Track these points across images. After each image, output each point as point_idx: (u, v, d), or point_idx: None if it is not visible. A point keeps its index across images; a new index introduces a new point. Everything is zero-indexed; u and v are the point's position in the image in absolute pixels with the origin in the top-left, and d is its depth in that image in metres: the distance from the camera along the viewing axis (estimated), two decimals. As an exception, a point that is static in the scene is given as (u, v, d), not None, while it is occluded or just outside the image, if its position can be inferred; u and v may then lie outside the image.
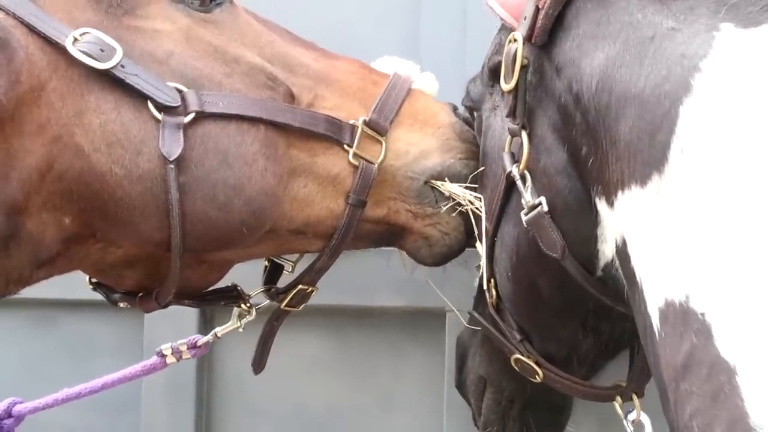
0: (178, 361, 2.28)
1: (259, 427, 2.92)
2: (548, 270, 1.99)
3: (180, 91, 1.94)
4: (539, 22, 1.88)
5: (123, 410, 2.92)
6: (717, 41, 1.64)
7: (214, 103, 1.96)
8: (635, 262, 1.70)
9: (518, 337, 2.17)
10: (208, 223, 1.98)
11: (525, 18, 1.90)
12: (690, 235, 1.56)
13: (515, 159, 1.97)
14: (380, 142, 2.13)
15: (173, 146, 1.92)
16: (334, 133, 2.09)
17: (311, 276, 2.19)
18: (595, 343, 2.19)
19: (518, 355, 2.17)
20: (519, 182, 1.93)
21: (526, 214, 1.92)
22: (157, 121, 1.91)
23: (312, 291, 2.22)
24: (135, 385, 2.82)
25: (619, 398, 2.20)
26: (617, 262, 1.82)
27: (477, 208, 2.14)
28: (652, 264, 1.64)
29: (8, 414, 2.26)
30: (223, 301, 2.27)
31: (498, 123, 2.10)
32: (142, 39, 1.96)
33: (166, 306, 2.14)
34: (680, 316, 1.55)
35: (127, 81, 1.89)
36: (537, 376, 2.17)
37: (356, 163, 2.10)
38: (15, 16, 1.86)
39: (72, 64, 1.87)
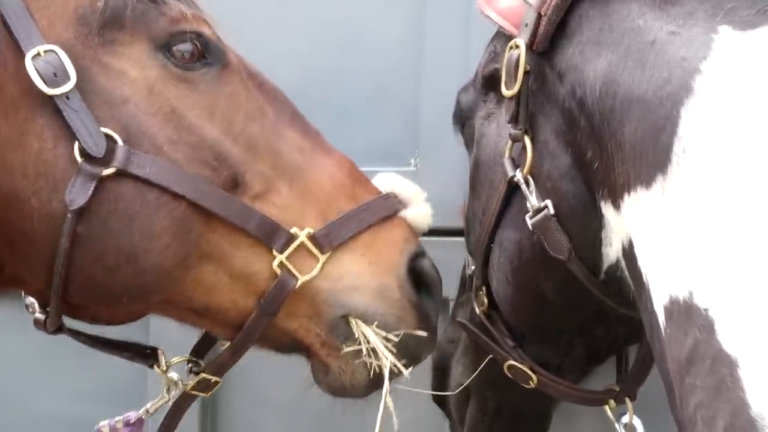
0: None
1: (264, 415, 2.99)
2: (552, 273, 2.06)
3: (113, 141, 1.89)
4: (542, 29, 1.96)
5: (129, 403, 2.92)
6: (716, 43, 1.74)
7: (141, 166, 1.90)
8: (642, 263, 1.79)
9: (511, 343, 2.23)
10: (90, 280, 1.94)
11: (526, 25, 1.99)
12: (693, 233, 1.66)
13: (516, 164, 2.03)
14: (317, 259, 2.04)
15: (79, 195, 1.87)
16: (263, 236, 2.01)
17: (214, 369, 2.14)
18: (589, 347, 2.27)
19: (512, 362, 2.23)
20: (524, 186, 2.00)
21: (532, 217, 1.99)
22: (77, 165, 1.88)
23: (217, 382, 2.16)
24: (141, 376, 2.88)
25: (612, 402, 2.28)
26: (623, 264, 1.91)
27: (378, 364, 2.05)
28: (657, 263, 1.74)
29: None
30: (134, 357, 2.22)
31: (494, 130, 2.17)
32: (105, 77, 1.93)
33: (55, 333, 2.10)
34: (684, 312, 1.65)
35: (64, 114, 1.87)
36: (531, 382, 2.24)
37: (278, 272, 2.02)
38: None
39: (30, 78, 1.86)
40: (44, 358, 3.12)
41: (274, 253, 2.01)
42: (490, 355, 2.28)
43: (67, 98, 1.86)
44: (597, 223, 1.94)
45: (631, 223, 1.81)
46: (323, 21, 2.92)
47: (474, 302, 2.27)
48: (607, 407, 2.30)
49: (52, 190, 1.87)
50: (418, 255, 2.14)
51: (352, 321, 2.06)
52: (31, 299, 2.10)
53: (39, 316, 2.08)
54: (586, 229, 1.96)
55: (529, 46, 1.98)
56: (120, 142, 1.89)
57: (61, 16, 1.92)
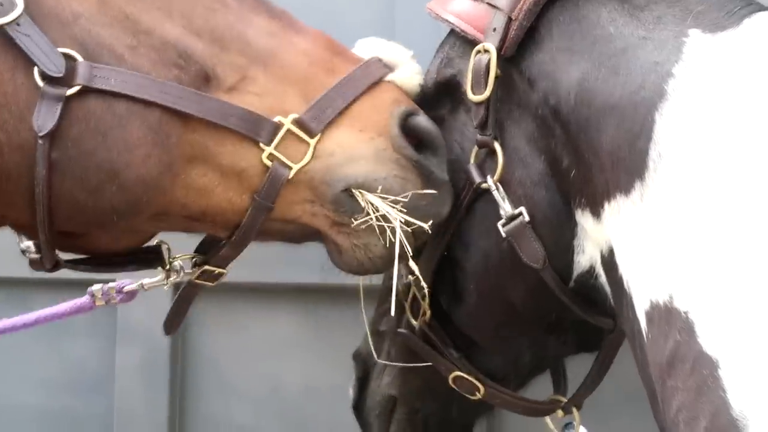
0: (106, 303, 2.21)
1: (235, 407, 2.98)
2: (522, 281, 2.06)
3: (72, 60, 1.87)
4: (512, 34, 1.97)
5: (96, 391, 2.88)
6: (687, 47, 1.79)
7: (105, 79, 1.87)
8: (623, 270, 1.83)
9: (455, 354, 2.21)
10: (74, 205, 1.91)
11: (494, 30, 1.99)
12: (671, 237, 1.71)
13: (482, 171, 2.02)
14: (308, 144, 1.97)
15: (47, 120, 1.84)
16: (247, 130, 1.95)
17: (216, 261, 2.09)
18: (536, 357, 2.29)
19: (458, 373, 2.21)
20: (496, 193, 2.00)
21: (505, 225, 1.99)
22: (39, 90, 1.85)
23: (221, 273, 2.11)
24: (108, 365, 2.88)
25: (559, 412, 2.30)
26: (600, 272, 1.94)
27: (389, 225, 1.98)
28: (638, 270, 1.78)
29: None
30: (136, 264, 2.15)
31: (448, 136, 2.11)
32: None
33: (53, 270, 2.05)
34: (665, 316, 1.70)
35: (16, 41, 1.84)
36: (477, 393, 2.23)
37: (269, 163, 1.96)
38: None
39: None
40: (9, 344, 3.04)
41: (262, 145, 1.95)
42: (424, 365, 2.24)
43: (18, 24, 1.84)
44: (570, 231, 1.96)
45: (611, 231, 1.84)
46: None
47: (408, 312, 2.24)
48: (547, 418, 2.32)
49: (18, 119, 1.85)
50: (410, 113, 2.06)
51: (356, 192, 1.99)
52: (26, 243, 2.06)
53: (35, 257, 2.04)
54: (559, 237, 1.98)
55: (498, 51, 1.97)
56: (80, 59, 1.87)
57: None
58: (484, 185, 2.01)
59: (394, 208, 1.97)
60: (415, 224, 1.98)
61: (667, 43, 1.79)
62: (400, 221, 1.97)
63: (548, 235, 1.97)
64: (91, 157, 1.88)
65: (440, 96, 2.16)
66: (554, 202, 1.96)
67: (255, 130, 1.95)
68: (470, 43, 2.06)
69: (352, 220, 1.99)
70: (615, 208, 1.80)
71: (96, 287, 2.20)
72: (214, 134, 1.94)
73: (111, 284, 2.20)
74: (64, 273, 2.13)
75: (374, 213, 1.97)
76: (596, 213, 1.87)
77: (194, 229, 2.09)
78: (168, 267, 2.12)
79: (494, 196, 1.99)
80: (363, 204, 1.98)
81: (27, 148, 1.85)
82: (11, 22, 1.83)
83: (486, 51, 1.99)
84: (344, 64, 2.06)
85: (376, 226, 1.98)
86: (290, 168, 1.96)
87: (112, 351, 3.01)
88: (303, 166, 1.97)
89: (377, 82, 2.06)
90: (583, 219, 1.92)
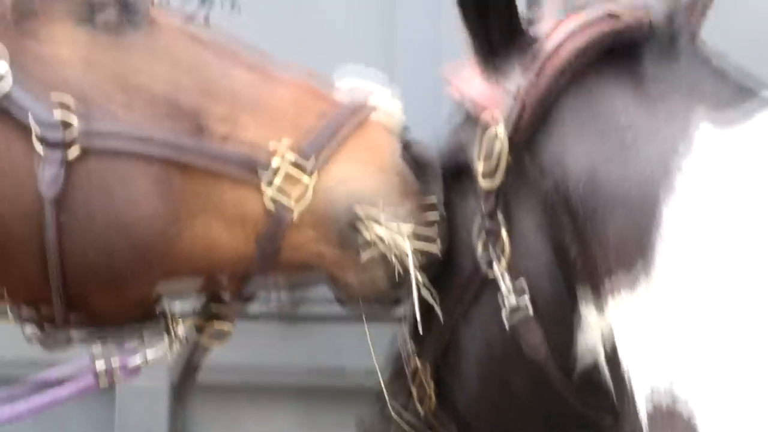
0: (109, 383, 2.14)
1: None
2: (525, 372, 2.02)
3: (69, 124, 1.89)
4: (524, 120, 1.95)
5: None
6: (697, 141, 1.77)
7: (103, 138, 1.90)
8: (625, 366, 1.80)
9: None
10: (88, 266, 1.92)
11: (507, 116, 1.97)
12: (676, 334, 1.68)
13: (489, 258, 2.00)
14: (306, 183, 1.98)
15: (52, 184, 1.86)
16: (246, 174, 1.97)
17: (225, 316, 2.09)
18: None
19: None
20: (501, 283, 1.97)
21: (509, 315, 1.96)
22: (40, 156, 1.87)
23: (229, 330, 2.10)
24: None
25: None
26: (604, 367, 1.91)
27: (401, 255, 1.98)
28: (641, 367, 1.76)
29: None
30: (143, 331, 2.12)
31: (457, 222, 2.10)
32: (39, 65, 1.93)
33: (67, 344, 2.05)
34: (667, 418, 1.65)
35: (10, 111, 1.87)
36: None
37: (271, 206, 1.97)
38: None
39: None
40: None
41: (262, 188, 1.97)
42: None
43: (10, 95, 1.87)
44: (577, 323, 1.93)
45: (614, 325, 1.81)
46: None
47: (414, 397, 2.20)
48: None
49: (20, 188, 1.87)
50: (407, 146, 2.10)
51: (360, 224, 2.00)
52: (28, 330, 2.04)
53: (45, 335, 2.03)
54: (563, 329, 1.95)
55: (510, 137, 1.96)
56: (75, 121, 1.89)
57: None
58: (489, 275, 1.99)
59: (400, 237, 1.98)
60: (424, 250, 1.99)
61: (677, 137, 1.77)
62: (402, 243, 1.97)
63: (552, 327, 1.94)
64: (100, 216, 1.89)
65: (452, 179, 2.14)
66: (560, 294, 1.94)
67: (253, 174, 1.96)
68: (483, 127, 2.03)
69: (358, 255, 2.00)
70: (618, 302, 1.78)
71: (99, 364, 2.13)
72: (215, 182, 1.96)
73: (114, 357, 2.13)
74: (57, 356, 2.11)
75: (381, 244, 1.98)
76: (600, 306, 1.84)
77: (201, 286, 2.07)
78: (172, 334, 2.10)
79: (499, 286, 1.97)
80: (368, 237, 1.99)
81: (33, 215, 1.86)
82: (3, 94, 1.86)
83: (497, 137, 1.97)
84: (330, 107, 2.09)
85: (381, 258, 1.98)
86: (292, 209, 1.97)
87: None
88: (305, 205, 1.98)
89: (364, 121, 2.08)
90: (588, 311, 1.89)
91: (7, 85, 1.87)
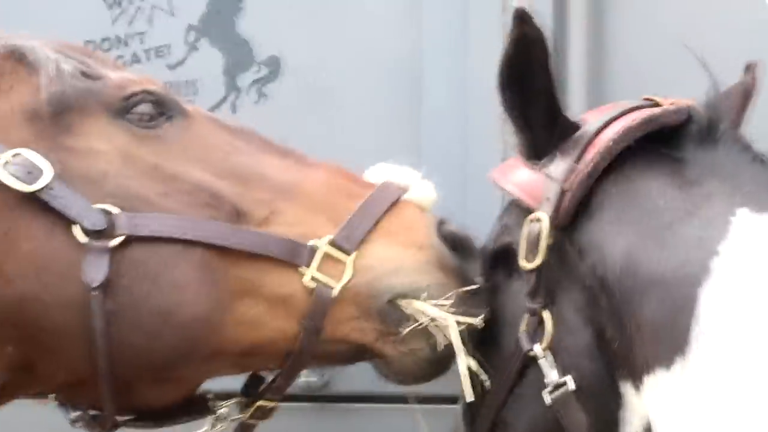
0: None
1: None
2: None
3: (109, 214, 1.93)
4: (564, 205, 2.00)
5: None
6: (733, 225, 1.80)
7: (145, 226, 1.94)
8: None
9: None
10: (133, 351, 1.94)
11: (548, 198, 2.03)
12: (711, 415, 1.69)
13: (532, 338, 2.03)
14: (344, 263, 2.04)
15: (97, 272, 1.90)
16: (286, 256, 2.01)
17: (270, 394, 2.12)
18: None
19: None
20: (542, 361, 2.00)
21: (551, 393, 1.99)
22: (83, 246, 1.91)
23: (273, 408, 2.14)
24: None
25: None
26: None
27: (443, 327, 2.02)
28: None
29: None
30: (186, 416, 2.15)
31: (503, 303, 2.15)
32: (76, 159, 1.97)
33: (113, 429, 2.07)
34: None
35: (51, 204, 1.91)
36: None
37: (312, 285, 2.01)
38: None
39: (4, 187, 1.91)
40: None
41: (302, 269, 2.01)
42: None
43: (50, 189, 1.91)
44: (616, 402, 1.95)
45: (651, 404, 1.83)
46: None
47: None
48: None
49: (63, 279, 1.91)
50: (441, 223, 2.15)
51: (401, 302, 2.04)
52: (73, 413, 2.09)
53: (89, 420, 2.07)
54: (604, 407, 1.96)
55: (551, 220, 2.00)
56: (116, 211, 1.94)
57: (11, 121, 1.99)
58: (531, 353, 2.02)
59: (441, 310, 2.02)
60: (466, 322, 2.03)
61: (715, 220, 1.81)
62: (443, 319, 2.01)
63: (594, 405, 1.96)
64: (145, 301, 1.93)
65: (497, 263, 2.19)
66: (600, 373, 1.96)
67: (294, 255, 2.01)
68: (526, 211, 2.09)
69: (399, 330, 2.04)
70: (655, 381, 1.80)
71: None
72: (256, 265, 2.00)
73: None
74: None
75: (424, 318, 2.02)
76: (637, 386, 1.86)
77: (245, 366, 2.13)
78: (215, 415, 2.13)
79: (541, 364, 2.00)
80: (408, 312, 2.04)
81: (77, 304, 1.90)
82: (43, 188, 1.91)
83: (539, 219, 2.02)
84: (362, 189, 2.15)
85: (421, 332, 2.03)
86: (332, 286, 2.01)
87: None
88: (345, 284, 2.02)
89: (397, 201, 2.14)
90: (627, 390, 1.91)
91: (46, 178, 1.91)
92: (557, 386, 1.98)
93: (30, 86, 2.01)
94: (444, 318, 2.03)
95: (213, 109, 2.56)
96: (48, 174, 1.92)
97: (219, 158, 2.08)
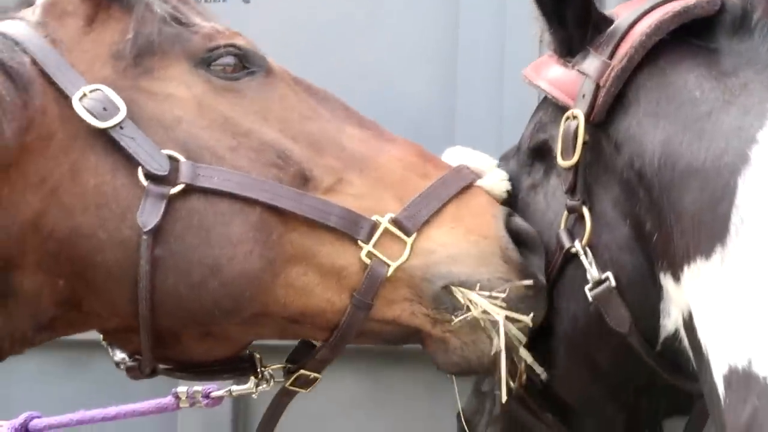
0: (190, 406, 2.23)
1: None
2: (608, 344, 2.07)
3: (176, 161, 1.96)
4: (600, 100, 2.02)
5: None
6: None
7: (208, 177, 1.96)
8: (701, 333, 1.85)
9: (551, 417, 2.22)
10: (177, 300, 1.97)
11: (584, 96, 2.04)
12: (751, 302, 1.72)
13: (572, 235, 2.06)
14: (405, 243, 2.02)
15: (151, 216, 1.92)
16: (346, 228, 2.01)
17: (314, 365, 2.13)
18: (630, 420, 2.26)
19: None
20: (583, 257, 2.03)
21: (592, 289, 2.01)
22: (144, 188, 1.94)
23: (315, 379, 2.15)
24: (170, 424, 2.91)
25: None
26: (683, 335, 1.95)
27: (489, 320, 1.99)
28: (716, 333, 1.80)
29: (25, 428, 2.26)
30: (229, 373, 2.21)
31: (541, 201, 2.19)
32: (153, 102, 2.01)
33: (151, 376, 2.12)
34: (743, 381, 1.71)
35: (121, 143, 1.94)
36: None
37: (368, 261, 2.01)
38: (38, 64, 1.96)
39: (79, 119, 1.94)
40: (70, 406, 3.10)
41: (360, 243, 2.01)
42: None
43: (121, 128, 1.95)
44: (656, 294, 1.98)
45: (691, 294, 1.86)
46: (354, 71, 2.96)
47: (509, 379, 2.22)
48: None
49: (120, 218, 1.93)
50: (509, 215, 2.13)
51: (455, 290, 2.02)
52: (119, 355, 2.13)
53: (132, 364, 2.11)
54: (645, 300, 1.99)
55: (587, 117, 2.02)
56: (182, 159, 1.96)
57: (98, 57, 2.02)
58: (572, 250, 2.04)
59: (495, 304, 2.00)
60: (519, 320, 2.02)
61: (753, 109, 1.82)
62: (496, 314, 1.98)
63: (634, 299, 1.99)
64: (195, 252, 1.95)
65: (534, 161, 2.22)
66: (640, 266, 1.98)
67: (353, 228, 2.01)
68: (561, 109, 2.11)
69: (453, 317, 2.02)
70: (695, 271, 1.82)
71: (181, 389, 2.22)
72: (314, 233, 2.01)
73: (197, 388, 2.22)
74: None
75: (476, 309, 1.99)
76: (677, 276, 1.89)
77: (291, 333, 2.13)
78: (260, 376, 2.16)
79: (582, 261, 2.03)
80: (463, 301, 2.01)
81: (129, 245, 1.93)
82: (115, 125, 1.94)
83: (575, 117, 2.03)
84: (435, 170, 2.14)
85: (480, 323, 2.00)
86: (388, 266, 2.00)
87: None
88: (401, 264, 2.01)
89: (468, 187, 2.13)
90: (666, 282, 1.93)
91: (119, 117, 1.95)
92: (598, 282, 2.00)
93: (121, 25, 2.04)
94: (496, 312, 2.00)
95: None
96: (122, 113, 1.96)
97: (295, 120, 2.09)
